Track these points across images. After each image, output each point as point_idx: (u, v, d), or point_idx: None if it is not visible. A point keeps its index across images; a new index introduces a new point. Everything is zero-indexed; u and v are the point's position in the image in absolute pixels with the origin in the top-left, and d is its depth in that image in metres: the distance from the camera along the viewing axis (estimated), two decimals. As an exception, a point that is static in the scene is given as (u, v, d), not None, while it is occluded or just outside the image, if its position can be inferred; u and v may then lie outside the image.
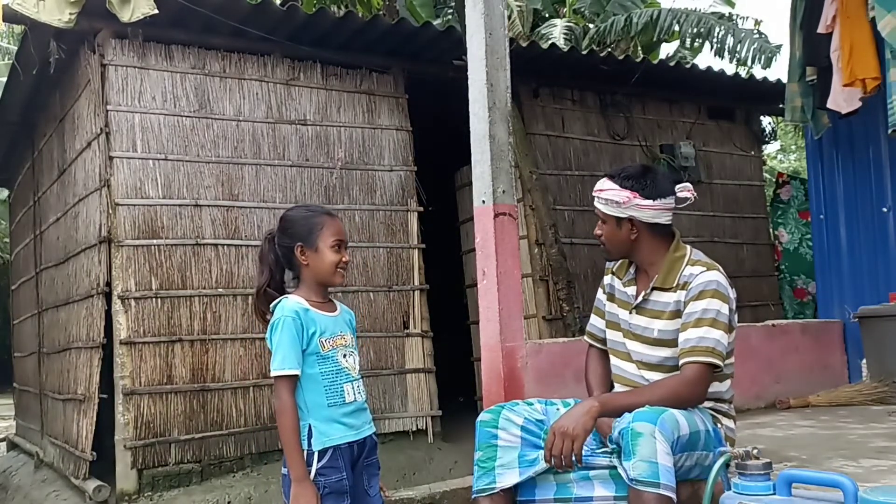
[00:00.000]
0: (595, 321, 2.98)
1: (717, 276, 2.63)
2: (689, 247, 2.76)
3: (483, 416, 2.75)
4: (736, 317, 2.68)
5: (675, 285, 2.66)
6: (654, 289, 2.71)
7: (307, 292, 2.48)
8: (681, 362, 2.57)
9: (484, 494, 2.62)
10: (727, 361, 2.68)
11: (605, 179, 2.76)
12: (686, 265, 2.68)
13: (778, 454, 3.38)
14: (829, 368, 5.76)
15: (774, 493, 2.10)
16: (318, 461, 2.36)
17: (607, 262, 2.97)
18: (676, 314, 2.65)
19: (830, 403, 5.15)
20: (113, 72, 5.44)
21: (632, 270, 2.83)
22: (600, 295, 2.98)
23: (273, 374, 2.36)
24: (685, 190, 2.77)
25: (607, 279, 2.94)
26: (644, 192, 2.67)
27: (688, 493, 2.72)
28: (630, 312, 2.78)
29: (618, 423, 2.41)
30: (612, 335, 2.87)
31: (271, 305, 2.47)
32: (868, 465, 3.14)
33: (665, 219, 2.73)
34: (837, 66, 5.17)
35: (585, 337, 3.02)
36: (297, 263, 2.49)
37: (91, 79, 5.51)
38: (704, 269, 2.65)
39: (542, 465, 2.56)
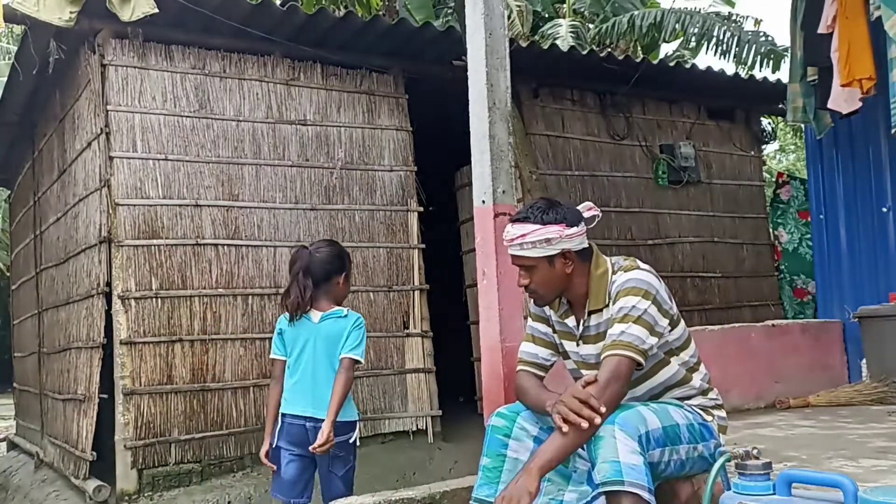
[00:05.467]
0: (532, 349, 2.78)
1: (632, 275, 2.56)
2: (607, 259, 2.67)
3: (496, 421, 2.63)
4: (672, 306, 2.59)
5: (606, 303, 2.58)
6: (590, 313, 2.63)
7: (335, 305, 3.50)
8: (602, 357, 2.48)
9: None
10: (687, 352, 2.64)
11: (517, 225, 2.59)
12: (611, 277, 2.60)
13: (778, 454, 3.38)
14: (829, 368, 5.76)
15: (774, 493, 2.10)
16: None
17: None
18: None
19: (830, 403, 5.14)
20: (113, 72, 5.44)
21: (564, 301, 2.71)
22: (535, 323, 2.80)
23: (358, 357, 3.38)
24: (589, 209, 2.69)
25: (543, 311, 2.79)
26: (567, 221, 2.58)
27: (688, 493, 2.72)
28: (577, 344, 2.69)
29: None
30: (568, 364, 2.80)
31: (335, 310, 3.45)
32: (868, 465, 3.13)
33: (586, 243, 2.65)
34: (837, 66, 5.17)
35: (521, 366, 2.77)
36: (332, 283, 3.48)
37: (91, 79, 5.51)
38: (623, 271, 2.59)
39: (545, 499, 2.51)
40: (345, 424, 3.37)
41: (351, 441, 3.39)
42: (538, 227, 2.56)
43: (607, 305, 2.57)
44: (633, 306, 2.48)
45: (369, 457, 5.82)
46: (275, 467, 3.44)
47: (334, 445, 3.30)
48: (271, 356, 3.57)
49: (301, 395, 3.39)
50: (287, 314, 3.47)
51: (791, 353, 5.60)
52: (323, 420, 3.27)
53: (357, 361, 3.37)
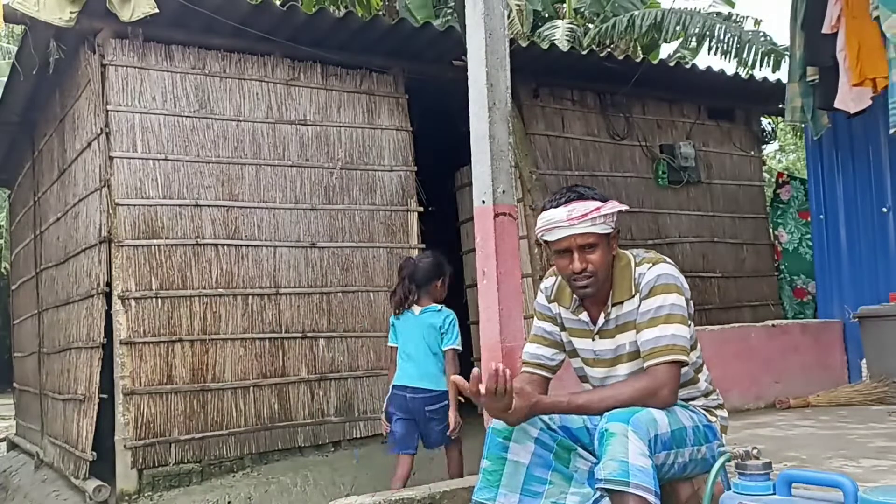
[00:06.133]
0: (535, 349, 2.73)
1: (663, 269, 2.53)
2: (626, 252, 2.64)
3: (496, 423, 2.51)
4: (691, 305, 2.59)
5: (632, 294, 2.54)
6: (613, 305, 2.58)
7: (434, 303, 4.42)
8: (645, 365, 2.46)
9: None
10: (695, 352, 2.61)
11: (579, 202, 2.49)
12: (635, 269, 2.56)
13: (778, 454, 3.38)
14: (829, 368, 5.76)
15: (774, 493, 2.10)
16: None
17: (545, 287, 2.76)
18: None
19: (830, 403, 5.15)
20: (113, 72, 5.44)
21: (576, 296, 2.63)
22: (542, 322, 2.74)
23: (458, 347, 4.33)
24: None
25: (550, 308, 2.74)
26: (607, 197, 2.57)
27: (688, 493, 2.72)
28: (593, 339, 2.64)
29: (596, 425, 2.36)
30: (575, 363, 2.76)
31: (432, 306, 4.38)
32: (868, 465, 3.14)
33: None
34: (845, 66, 5.14)
35: (523, 368, 2.73)
36: (432, 286, 4.40)
37: (91, 79, 5.51)
38: (650, 265, 2.54)
39: (547, 501, 2.48)
40: (443, 394, 4.33)
41: (444, 406, 4.34)
42: (598, 203, 2.51)
43: (632, 297, 2.54)
44: (672, 304, 2.48)
45: (369, 457, 5.82)
46: (388, 428, 4.43)
47: (431, 410, 4.32)
48: (388, 344, 4.57)
49: (406, 371, 4.38)
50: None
51: (791, 353, 5.60)
52: (421, 389, 4.32)
53: (457, 350, 4.34)
